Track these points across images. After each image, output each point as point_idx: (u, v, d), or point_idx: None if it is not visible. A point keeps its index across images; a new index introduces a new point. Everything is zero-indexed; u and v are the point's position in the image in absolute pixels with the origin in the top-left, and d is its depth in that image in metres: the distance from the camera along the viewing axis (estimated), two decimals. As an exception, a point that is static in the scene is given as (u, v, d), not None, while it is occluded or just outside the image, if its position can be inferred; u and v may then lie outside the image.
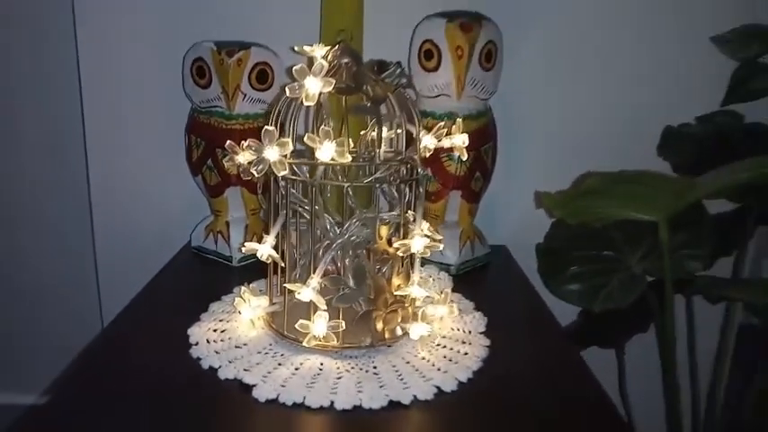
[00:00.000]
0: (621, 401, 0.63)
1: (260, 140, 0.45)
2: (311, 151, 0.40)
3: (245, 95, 0.56)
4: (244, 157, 0.44)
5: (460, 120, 0.47)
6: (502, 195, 0.66)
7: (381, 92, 0.39)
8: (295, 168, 0.42)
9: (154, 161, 0.68)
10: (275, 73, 0.57)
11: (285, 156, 0.39)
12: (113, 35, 0.65)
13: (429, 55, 0.54)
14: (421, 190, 0.42)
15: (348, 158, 0.39)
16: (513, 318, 0.51)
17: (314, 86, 0.39)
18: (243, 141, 0.42)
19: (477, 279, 0.58)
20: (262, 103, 0.57)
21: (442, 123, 0.44)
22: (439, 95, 0.55)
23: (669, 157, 0.60)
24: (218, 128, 0.57)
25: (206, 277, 0.58)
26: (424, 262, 0.54)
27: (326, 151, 0.38)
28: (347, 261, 0.43)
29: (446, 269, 0.57)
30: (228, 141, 0.45)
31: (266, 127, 0.40)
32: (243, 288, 0.46)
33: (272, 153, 0.39)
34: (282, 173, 0.39)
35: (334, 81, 0.39)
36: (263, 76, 0.56)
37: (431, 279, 0.53)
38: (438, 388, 0.39)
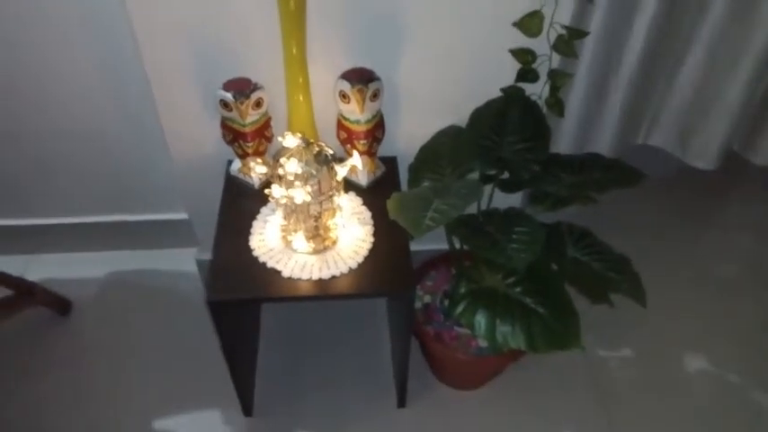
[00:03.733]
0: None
1: (259, 135, 1.05)
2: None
3: (250, 114, 1.07)
4: (260, 168, 1.01)
5: (356, 152, 1.02)
6: (396, 126, 1.21)
7: (320, 164, 0.95)
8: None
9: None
10: (265, 100, 1.07)
11: (283, 195, 0.97)
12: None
13: (344, 96, 1.05)
14: (337, 200, 1.01)
15: (308, 198, 0.96)
16: (388, 221, 1.12)
17: (292, 167, 0.95)
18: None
19: (377, 190, 1.17)
20: (259, 114, 1.08)
21: (346, 163, 1.00)
22: (352, 113, 1.07)
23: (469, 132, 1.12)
24: (237, 129, 1.09)
25: (244, 195, 1.17)
26: (349, 187, 1.14)
27: (299, 195, 0.96)
28: (312, 220, 1.04)
29: (362, 186, 1.17)
30: (252, 164, 1.01)
31: (274, 186, 0.96)
32: (267, 219, 1.08)
33: (277, 192, 0.97)
34: (283, 202, 0.98)
35: (302, 162, 0.94)
36: (259, 103, 1.07)
37: (351, 205, 1.13)
38: (349, 267, 1.04)
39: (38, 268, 1.52)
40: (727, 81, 1.33)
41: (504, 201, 1.14)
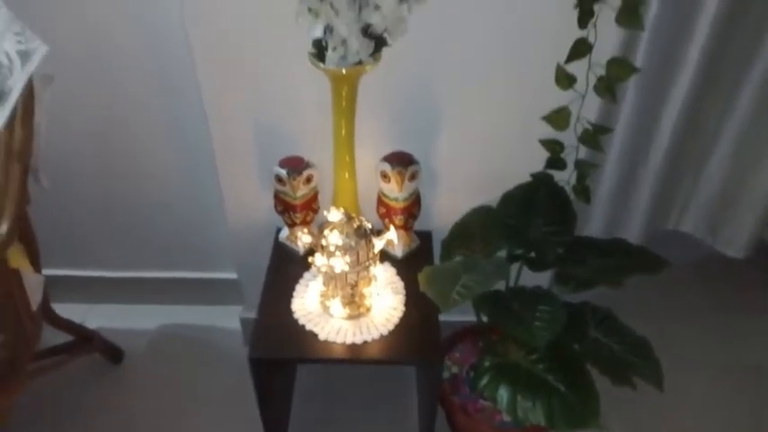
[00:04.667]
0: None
1: (307, 207, 1.16)
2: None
3: (300, 188, 1.19)
4: (306, 237, 1.11)
5: (392, 227, 1.12)
6: (432, 203, 1.31)
7: (359, 237, 1.05)
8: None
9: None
10: (315, 176, 1.19)
11: (324, 264, 1.07)
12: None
13: (384, 176, 1.16)
14: (373, 270, 1.10)
15: (347, 268, 1.06)
16: (418, 292, 1.20)
17: (334, 239, 1.04)
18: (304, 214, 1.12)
19: (411, 261, 1.26)
20: (309, 188, 1.20)
21: (383, 237, 1.09)
22: (391, 191, 1.18)
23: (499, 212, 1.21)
24: (288, 201, 1.21)
25: (290, 261, 1.27)
26: (385, 258, 1.23)
27: (339, 264, 1.05)
28: (349, 288, 1.13)
29: (396, 257, 1.26)
30: (299, 233, 1.12)
31: (317, 255, 1.06)
32: (308, 284, 1.17)
33: (319, 261, 1.07)
34: (324, 269, 1.07)
35: (343, 235, 1.04)
36: (309, 179, 1.19)
37: (386, 275, 1.22)
38: (381, 334, 1.12)
39: (96, 317, 1.64)
40: (755, 174, 1.39)
41: (533, 278, 1.21)
